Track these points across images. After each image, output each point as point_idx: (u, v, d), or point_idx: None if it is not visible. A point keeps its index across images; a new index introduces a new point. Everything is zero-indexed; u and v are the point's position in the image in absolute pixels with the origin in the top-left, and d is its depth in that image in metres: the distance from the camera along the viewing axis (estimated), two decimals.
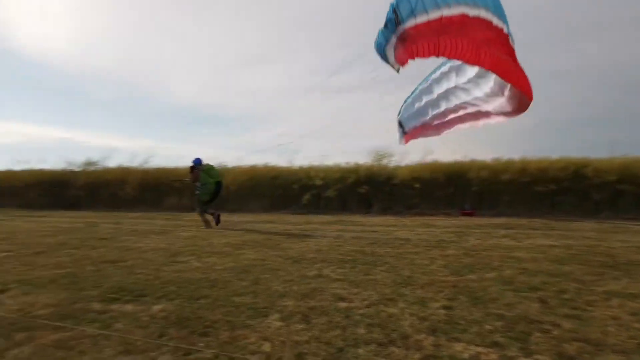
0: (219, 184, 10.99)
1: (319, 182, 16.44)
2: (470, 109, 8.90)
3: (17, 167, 21.88)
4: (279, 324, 3.64)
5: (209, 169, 11.05)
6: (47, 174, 20.56)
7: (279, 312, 3.95)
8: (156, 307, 4.10)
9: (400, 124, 9.87)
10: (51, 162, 21.93)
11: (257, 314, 3.90)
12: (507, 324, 3.53)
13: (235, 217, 14.32)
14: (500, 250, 7.28)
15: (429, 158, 16.53)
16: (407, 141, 10.32)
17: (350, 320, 3.69)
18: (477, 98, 8.54)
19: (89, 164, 20.77)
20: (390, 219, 13.31)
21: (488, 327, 3.47)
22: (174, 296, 4.50)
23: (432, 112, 9.18)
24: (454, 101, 9.01)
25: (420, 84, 9.44)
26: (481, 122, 9.09)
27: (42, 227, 11.54)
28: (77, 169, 20.55)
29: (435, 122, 9.36)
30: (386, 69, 7.10)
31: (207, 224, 11.13)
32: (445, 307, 4.01)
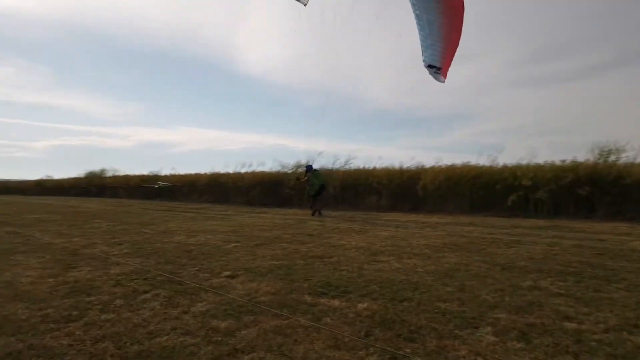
0: (322, 186, 13.83)
1: (526, 183, 14.80)
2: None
3: (243, 170, 25.71)
4: (492, 338, 3.26)
5: (316, 173, 13.96)
6: (265, 175, 23.66)
7: (491, 325, 3.55)
8: (361, 305, 4.14)
9: (430, 66, 9.05)
10: (269, 164, 24.99)
11: (466, 324, 3.59)
12: None
13: (435, 218, 13.96)
14: None
15: None
16: (445, 76, 9.21)
17: (583, 346, 3.08)
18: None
19: (298, 166, 23.08)
20: (621, 226, 11.12)
21: None
22: (377, 296, 4.50)
23: (438, 36, 8.56)
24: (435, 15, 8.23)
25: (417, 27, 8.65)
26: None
27: (261, 222, 13.20)
28: (288, 171, 23.06)
29: (445, 41, 8.59)
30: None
31: (313, 213, 15.08)
32: None
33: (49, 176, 46.83)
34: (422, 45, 8.73)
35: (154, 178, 30.71)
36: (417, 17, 8.29)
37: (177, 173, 30.90)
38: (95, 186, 36.32)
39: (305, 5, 8.35)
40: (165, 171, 31.92)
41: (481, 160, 17.45)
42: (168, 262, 6.41)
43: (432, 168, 18.14)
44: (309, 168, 14.49)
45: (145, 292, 4.69)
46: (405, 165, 19.66)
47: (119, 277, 5.35)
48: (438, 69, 8.95)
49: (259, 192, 23.22)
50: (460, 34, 8.22)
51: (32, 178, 50.04)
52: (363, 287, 4.91)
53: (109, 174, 37.62)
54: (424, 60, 8.84)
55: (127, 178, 33.89)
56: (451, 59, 8.76)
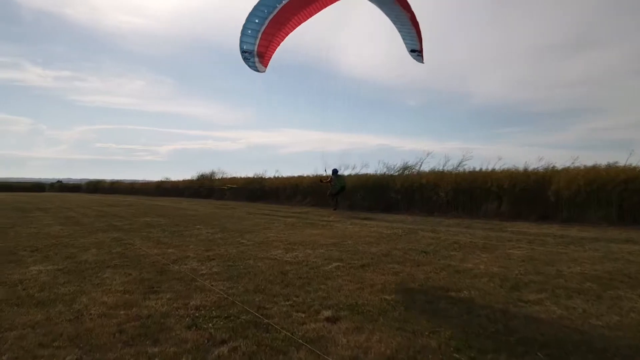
0: (342, 187, 14.65)
1: None
2: None
3: (346, 172, 24.68)
4: None
5: (339, 177, 14.89)
6: (369, 178, 22.31)
7: None
8: None
9: (413, 51, 9.45)
10: (372, 167, 23.65)
11: None
12: None
13: (575, 231, 11.50)
14: None
15: None
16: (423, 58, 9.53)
17: None
18: None
19: (405, 168, 21.41)
20: None
21: None
22: None
23: (408, 24, 8.86)
24: None
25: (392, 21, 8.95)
26: None
27: (366, 232, 11.90)
28: (394, 174, 21.50)
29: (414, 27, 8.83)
30: None
31: (335, 208, 17.29)
32: None
33: (167, 178, 50.45)
34: (401, 35, 9.20)
35: (259, 180, 31.04)
36: (387, 15, 8.68)
37: (280, 175, 30.93)
38: (205, 188, 38.00)
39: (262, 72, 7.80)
40: (270, 173, 32.17)
41: (633, 160, 14.36)
42: (258, 290, 5.37)
43: (567, 170, 15.37)
44: (334, 171, 15.75)
45: (223, 342, 3.62)
46: (530, 167, 17.08)
47: (197, 314, 4.38)
48: (419, 52, 9.42)
49: (362, 195, 21.97)
50: (414, 16, 8.62)
51: (155, 179, 54.50)
52: (521, 353, 3.35)
53: (218, 176, 39.18)
54: (407, 47, 9.39)
55: (233, 180, 34.86)
56: (422, 41, 9.26)
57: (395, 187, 20.14)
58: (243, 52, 7.28)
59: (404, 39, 9.46)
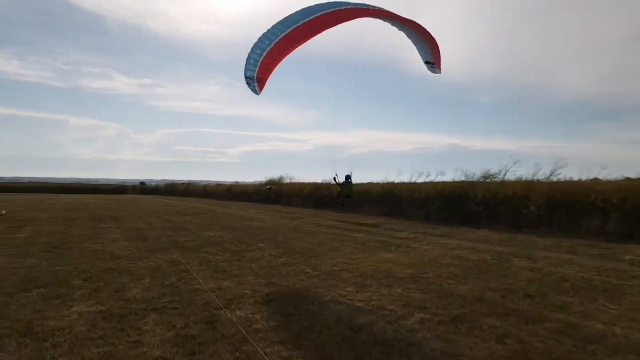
0: (348, 195, 14.14)
1: None
2: None
3: (419, 179, 22.93)
4: None
5: (348, 184, 14.26)
6: (446, 186, 20.36)
7: None
8: None
9: (427, 62, 10.41)
10: (450, 174, 21.71)
11: None
12: None
13: None
14: None
15: None
16: (439, 68, 10.48)
17: None
18: None
19: (487, 176, 19.29)
20: None
21: None
22: None
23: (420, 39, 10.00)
24: None
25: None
26: None
27: (448, 257, 10.36)
28: (475, 181, 19.45)
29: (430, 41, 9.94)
30: None
31: (342, 204, 16.05)
32: None
33: (237, 182, 51.42)
34: (416, 48, 10.01)
35: (326, 187, 30.01)
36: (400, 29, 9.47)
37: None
38: (273, 193, 37.74)
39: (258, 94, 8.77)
40: (340, 178, 30.99)
41: None
42: None
43: None
44: (348, 176, 15.60)
45: None
46: None
47: None
48: (432, 64, 10.25)
49: (438, 206, 20.16)
50: (426, 31, 9.57)
51: (227, 179, 55.99)
52: None
53: (286, 180, 38.79)
54: (422, 59, 10.15)
55: (301, 186, 34.16)
56: (439, 54, 10.18)
57: (475, 198, 18.12)
58: (246, 77, 8.55)
59: (418, 51, 10.40)
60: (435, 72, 10.74)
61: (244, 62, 8.45)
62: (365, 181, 27.62)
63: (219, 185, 61.29)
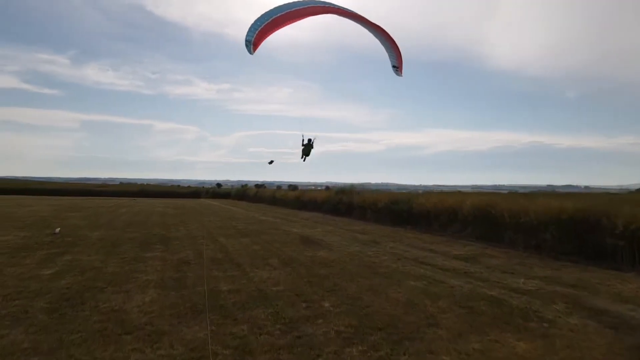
0: (306, 154, 18.80)
1: None
2: None
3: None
4: None
5: (309, 145, 18.29)
6: (563, 210, 15.55)
7: None
8: None
9: (394, 66, 14.22)
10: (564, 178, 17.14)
11: None
12: None
13: None
14: None
15: None
16: (401, 72, 14.47)
17: None
18: None
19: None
20: None
21: None
22: None
23: (386, 44, 14.37)
24: None
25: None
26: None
27: (613, 354, 6.43)
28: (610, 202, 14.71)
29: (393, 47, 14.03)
30: None
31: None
32: None
33: (308, 182, 49.08)
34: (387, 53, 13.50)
35: (405, 201, 26.11)
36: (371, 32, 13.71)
37: (431, 190, 25.66)
38: (344, 204, 34.42)
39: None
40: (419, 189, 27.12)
41: None
42: None
43: None
44: (309, 139, 18.43)
45: None
46: None
47: None
48: (397, 67, 13.05)
49: (554, 234, 15.68)
50: (389, 37, 13.75)
51: (300, 181, 54.36)
52: None
53: (357, 190, 35.42)
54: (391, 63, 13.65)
55: (375, 198, 30.53)
56: (401, 58, 14.07)
57: (615, 229, 13.47)
58: (246, 41, 13.60)
59: (388, 55, 13.52)
60: (398, 75, 13.14)
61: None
62: (445, 183, 23.50)
63: (288, 190, 59.83)
